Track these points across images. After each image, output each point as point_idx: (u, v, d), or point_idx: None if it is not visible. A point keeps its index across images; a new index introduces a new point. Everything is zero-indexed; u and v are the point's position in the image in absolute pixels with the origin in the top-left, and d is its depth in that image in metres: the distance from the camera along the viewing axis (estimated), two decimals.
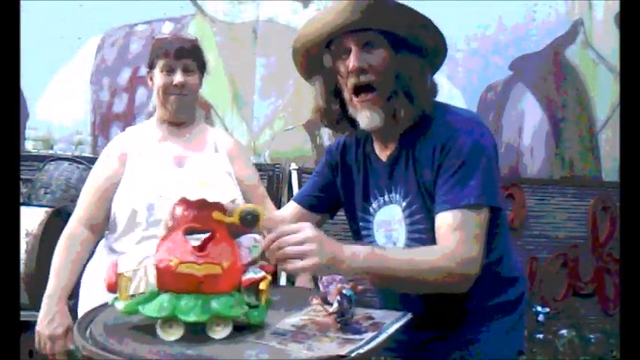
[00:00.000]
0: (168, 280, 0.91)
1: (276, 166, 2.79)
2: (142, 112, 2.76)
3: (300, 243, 0.98)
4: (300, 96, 2.85)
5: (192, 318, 0.89)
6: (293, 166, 2.76)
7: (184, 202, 0.96)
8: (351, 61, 1.18)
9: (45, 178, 2.43)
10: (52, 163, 2.48)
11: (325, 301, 1.06)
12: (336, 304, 1.01)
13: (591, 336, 2.98)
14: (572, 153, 3.11)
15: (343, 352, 0.86)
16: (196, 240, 0.97)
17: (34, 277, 2.17)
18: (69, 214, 1.76)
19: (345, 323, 0.99)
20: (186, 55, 1.70)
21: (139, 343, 0.90)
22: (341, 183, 1.38)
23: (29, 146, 2.71)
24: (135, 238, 1.59)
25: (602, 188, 3.06)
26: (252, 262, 1.02)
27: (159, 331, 0.90)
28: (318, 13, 1.24)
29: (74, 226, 1.67)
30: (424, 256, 1.10)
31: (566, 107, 3.10)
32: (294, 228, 1.01)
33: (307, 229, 1.00)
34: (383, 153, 1.30)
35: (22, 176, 2.42)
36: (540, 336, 2.91)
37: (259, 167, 2.30)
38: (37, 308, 1.95)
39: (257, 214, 1.00)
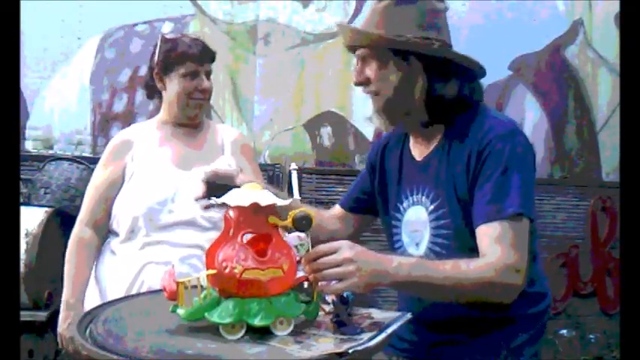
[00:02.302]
0: (233, 286, 0.94)
1: (276, 166, 2.79)
2: (142, 112, 2.75)
3: (338, 264, 0.99)
4: (300, 96, 2.85)
5: (260, 322, 0.92)
6: (293, 166, 2.76)
7: (238, 208, 0.97)
8: (354, 76, 1.28)
9: (45, 178, 2.43)
10: (52, 163, 2.48)
11: (324, 301, 1.06)
12: (331, 305, 1.02)
13: (591, 336, 2.99)
14: (572, 153, 3.11)
15: (341, 350, 0.87)
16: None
17: (34, 277, 2.17)
18: (69, 214, 1.76)
19: (340, 324, 0.99)
20: (209, 60, 1.70)
21: (139, 343, 0.90)
22: (378, 183, 1.40)
23: (29, 146, 2.71)
24: (137, 244, 1.59)
25: (602, 188, 3.06)
26: (300, 260, 1.03)
27: (223, 332, 0.93)
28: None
29: (80, 230, 1.67)
30: (467, 266, 1.09)
31: (566, 107, 3.11)
32: (331, 248, 1.01)
33: (344, 249, 1.00)
34: (419, 153, 1.31)
35: (22, 176, 2.42)
36: None
37: (259, 167, 2.29)
38: (37, 308, 1.96)
39: (311, 218, 1.02)
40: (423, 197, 1.26)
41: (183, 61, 1.65)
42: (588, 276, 3.04)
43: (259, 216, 0.98)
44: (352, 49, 1.29)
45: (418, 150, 1.31)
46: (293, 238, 1.05)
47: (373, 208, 1.42)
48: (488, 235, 1.11)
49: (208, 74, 1.70)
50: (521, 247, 1.11)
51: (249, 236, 0.98)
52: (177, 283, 0.95)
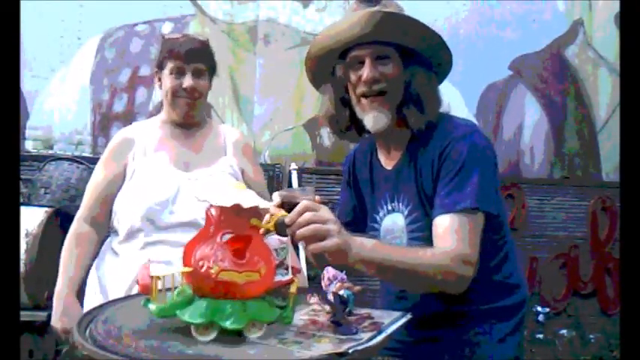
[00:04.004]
0: (208, 286, 0.92)
1: (276, 166, 2.79)
2: (142, 112, 2.76)
3: (325, 221, 0.98)
4: (300, 96, 2.85)
5: (232, 325, 0.90)
6: (293, 166, 2.73)
7: (220, 206, 0.96)
8: (365, 72, 1.23)
9: (45, 178, 2.43)
10: (52, 163, 2.48)
11: (325, 301, 1.06)
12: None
13: (591, 336, 2.98)
14: (572, 153, 3.11)
15: (341, 350, 0.87)
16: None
17: (34, 277, 2.18)
18: (69, 214, 1.76)
19: (337, 324, 0.99)
20: (197, 59, 1.67)
21: (139, 343, 0.90)
22: (356, 196, 1.42)
23: (29, 146, 2.72)
24: (138, 243, 1.58)
25: (602, 188, 3.06)
26: (279, 264, 1.02)
27: (194, 333, 0.91)
28: (334, 23, 1.28)
29: (78, 225, 1.67)
30: (424, 252, 1.13)
31: (566, 107, 3.11)
32: (315, 206, 0.99)
33: (325, 209, 1.00)
34: (388, 163, 1.34)
35: (22, 176, 2.42)
36: (540, 336, 2.91)
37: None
38: (37, 308, 1.95)
39: None
40: (400, 204, 1.29)
41: (170, 58, 1.66)
42: (588, 276, 3.04)
43: (241, 217, 0.95)
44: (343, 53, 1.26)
45: (387, 160, 1.34)
46: (274, 241, 1.04)
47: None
48: (444, 226, 1.15)
49: (198, 73, 1.67)
50: (474, 240, 1.15)
51: (228, 236, 0.95)
52: (151, 277, 0.92)
